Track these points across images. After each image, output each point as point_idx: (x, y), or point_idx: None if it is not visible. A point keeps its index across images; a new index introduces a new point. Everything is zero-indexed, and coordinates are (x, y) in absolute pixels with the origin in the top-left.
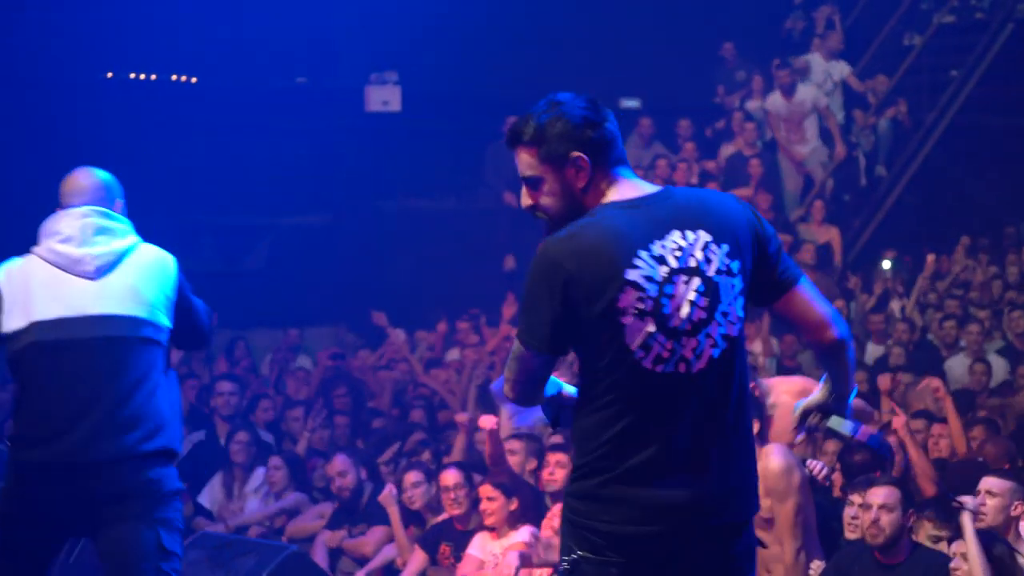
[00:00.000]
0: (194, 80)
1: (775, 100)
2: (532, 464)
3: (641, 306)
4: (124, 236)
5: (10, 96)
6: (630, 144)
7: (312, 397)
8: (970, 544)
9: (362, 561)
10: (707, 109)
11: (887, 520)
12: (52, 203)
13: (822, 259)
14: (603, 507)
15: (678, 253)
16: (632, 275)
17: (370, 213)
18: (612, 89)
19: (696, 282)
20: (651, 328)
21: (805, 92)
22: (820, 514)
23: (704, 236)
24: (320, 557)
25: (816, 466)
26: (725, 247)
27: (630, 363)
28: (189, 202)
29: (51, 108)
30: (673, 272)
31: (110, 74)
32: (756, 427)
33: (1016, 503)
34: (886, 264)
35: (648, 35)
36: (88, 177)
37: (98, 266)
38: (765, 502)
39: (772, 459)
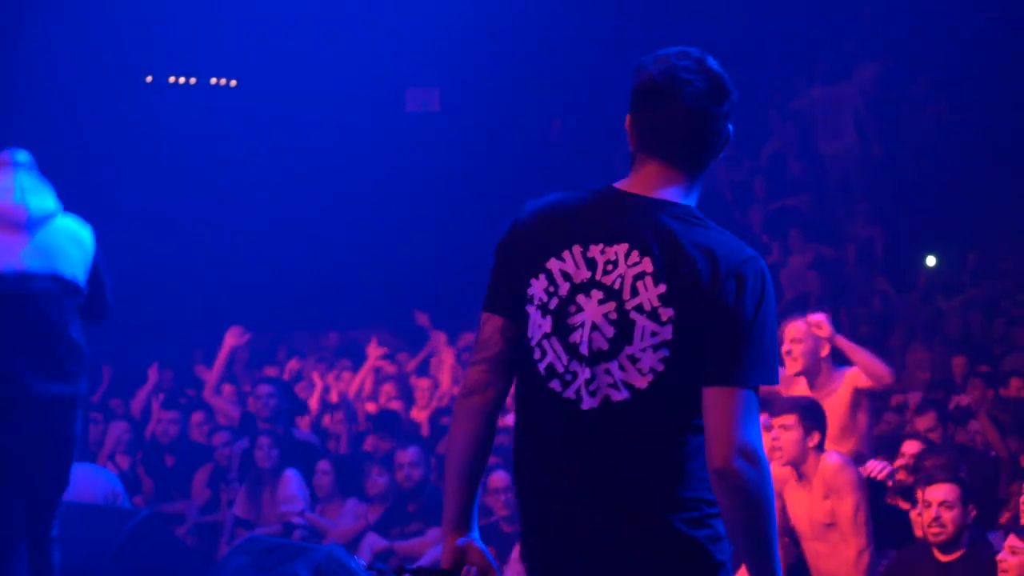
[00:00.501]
0: (233, 84)
1: (813, 93)
2: None
3: (545, 299)
4: (52, 200)
5: (50, 100)
6: None
7: (353, 398)
8: None
9: (413, 562)
10: (750, 108)
11: (948, 517)
12: (91, 205)
13: (864, 257)
14: (521, 528)
15: (610, 267)
16: (553, 264)
17: (410, 214)
18: None
19: (610, 307)
20: (547, 329)
21: (843, 88)
22: (892, 517)
23: (646, 266)
24: (366, 559)
25: (876, 466)
26: (662, 287)
27: (530, 363)
28: (228, 205)
29: (91, 112)
30: (593, 283)
31: (149, 78)
32: (816, 438)
33: None
34: (931, 261)
35: (691, 35)
36: (16, 151)
37: (30, 218)
38: (826, 504)
39: (827, 457)
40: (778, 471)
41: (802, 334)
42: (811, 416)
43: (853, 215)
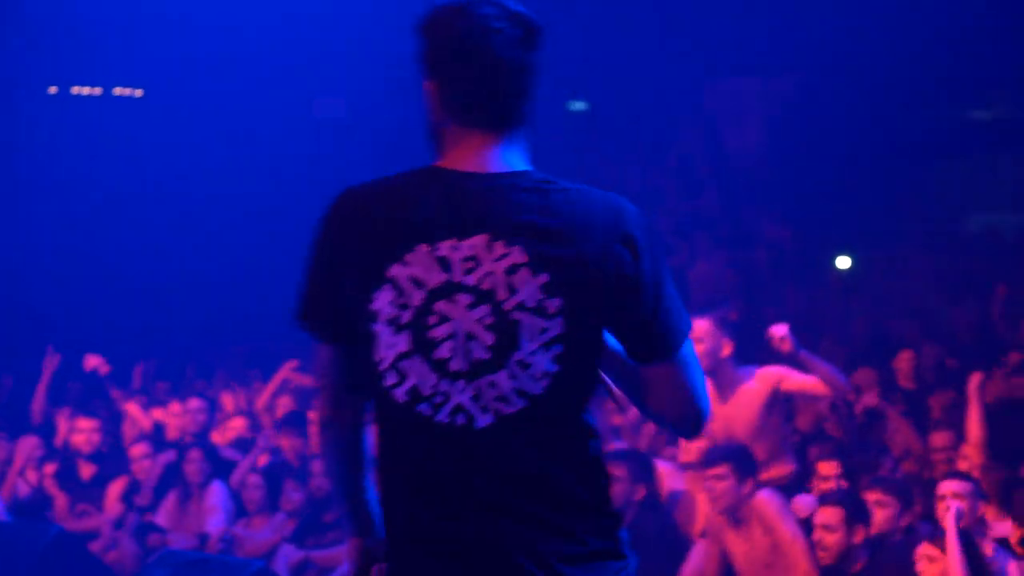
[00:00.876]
0: (139, 94)
1: (718, 88)
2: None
3: (395, 313)
4: None
5: None
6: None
7: (262, 409)
8: (952, 547)
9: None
10: (656, 109)
11: (830, 540)
12: None
13: (775, 259)
14: None
15: (470, 264)
16: (396, 271)
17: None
18: (560, 91)
19: (483, 311)
20: (403, 347)
21: (748, 83)
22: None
23: (517, 256)
24: (282, 571)
25: (803, 502)
26: (543, 277)
27: (381, 391)
28: (133, 216)
29: None
30: (454, 286)
31: (53, 89)
32: (749, 485)
33: (979, 502)
34: (842, 263)
35: (599, 34)
36: None
37: None
38: (766, 541)
39: (758, 495)
40: (716, 518)
41: (703, 333)
42: (743, 463)
43: (762, 216)
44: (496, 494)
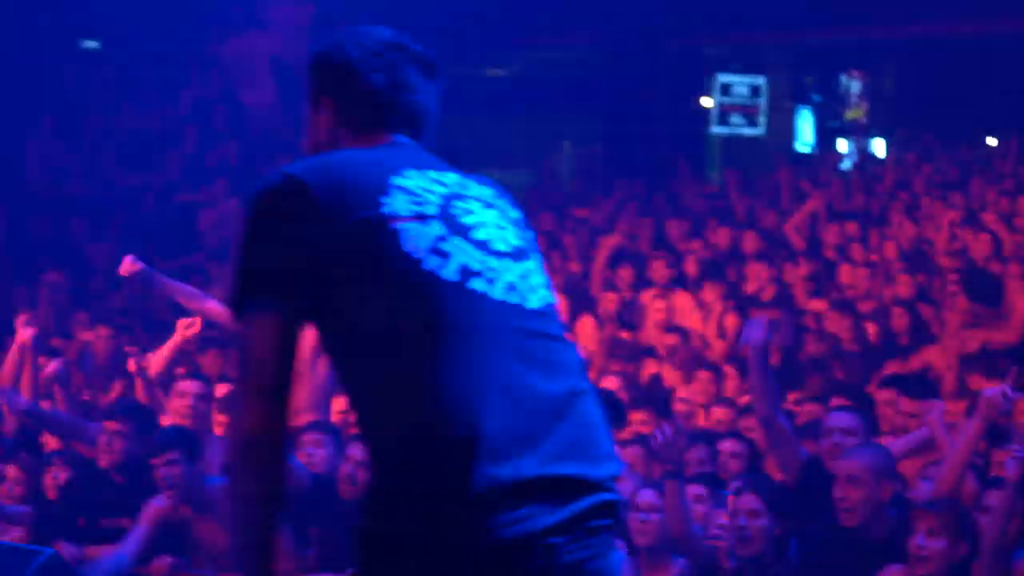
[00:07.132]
0: None
1: (231, 42)
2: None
3: (417, 209)
4: None
5: None
6: None
7: None
8: None
9: None
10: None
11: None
12: None
13: None
14: None
15: (459, 187)
16: (400, 183)
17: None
18: (72, 28)
19: (493, 214)
20: (439, 232)
21: (260, 39)
22: None
23: (486, 194)
24: None
25: None
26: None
27: (418, 281)
28: None
29: None
30: (459, 194)
31: None
32: None
33: None
34: None
35: None
36: None
37: None
38: None
39: None
40: None
41: None
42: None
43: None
44: (567, 374)
